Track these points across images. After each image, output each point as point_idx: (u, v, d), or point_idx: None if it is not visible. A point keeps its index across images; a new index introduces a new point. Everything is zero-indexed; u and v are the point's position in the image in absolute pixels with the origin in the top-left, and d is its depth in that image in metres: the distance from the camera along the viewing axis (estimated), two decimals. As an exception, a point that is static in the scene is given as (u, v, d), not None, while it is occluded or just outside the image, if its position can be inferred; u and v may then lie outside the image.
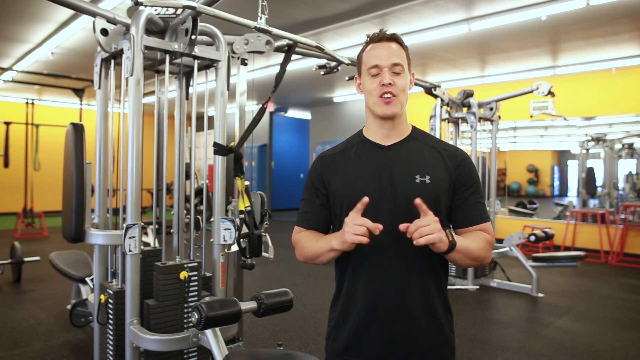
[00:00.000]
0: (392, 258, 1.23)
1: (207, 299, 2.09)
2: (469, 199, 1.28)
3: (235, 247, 2.68)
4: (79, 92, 7.65)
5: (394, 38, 1.28)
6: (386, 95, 1.24)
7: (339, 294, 1.33)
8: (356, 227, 1.12)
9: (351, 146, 1.35)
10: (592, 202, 8.15)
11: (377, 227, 1.12)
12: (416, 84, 4.86)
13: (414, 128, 1.35)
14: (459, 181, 1.27)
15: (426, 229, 1.09)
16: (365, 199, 1.13)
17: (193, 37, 2.24)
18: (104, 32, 2.28)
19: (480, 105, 5.32)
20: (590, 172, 8.03)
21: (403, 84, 1.26)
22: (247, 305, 2.06)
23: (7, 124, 8.23)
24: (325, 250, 1.24)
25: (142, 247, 2.21)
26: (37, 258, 5.20)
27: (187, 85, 2.76)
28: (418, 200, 1.11)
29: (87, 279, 3.39)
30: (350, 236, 1.12)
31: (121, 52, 2.22)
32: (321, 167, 1.36)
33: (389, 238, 1.22)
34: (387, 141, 1.30)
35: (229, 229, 2.44)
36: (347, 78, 4.32)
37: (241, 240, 2.55)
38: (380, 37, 1.27)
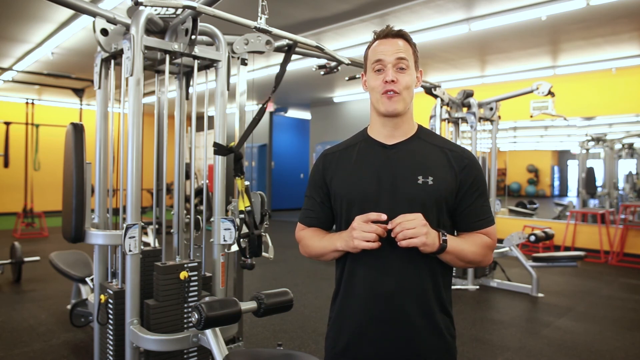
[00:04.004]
0: (388, 259, 1.21)
1: (207, 299, 2.08)
2: (474, 203, 1.25)
3: (235, 247, 2.68)
4: (79, 92, 7.65)
5: (401, 34, 1.24)
6: (389, 93, 1.21)
7: (337, 293, 1.33)
8: (366, 234, 1.14)
9: (354, 144, 1.34)
10: (592, 202, 8.14)
11: (385, 229, 1.15)
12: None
13: (419, 127, 1.32)
14: (464, 184, 1.24)
15: (410, 232, 1.12)
16: (384, 216, 1.15)
17: (193, 37, 2.24)
18: (104, 32, 2.28)
19: (480, 105, 5.32)
20: (590, 172, 8.03)
21: (408, 82, 1.22)
22: (247, 305, 2.06)
23: (7, 124, 8.23)
24: (330, 250, 1.27)
25: (142, 247, 2.21)
26: (37, 258, 5.20)
27: (187, 85, 2.76)
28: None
29: (87, 279, 3.39)
30: (359, 242, 1.15)
31: (121, 52, 2.22)
32: (323, 165, 1.35)
33: (386, 239, 1.21)
34: (390, 140, 1.28)
35: (229, 229, 2.44)
36: (347, 78, 4.32)
37: (241, 240, 2.55)
38: (387, 33, 1.24)
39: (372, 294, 1.23)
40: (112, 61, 2.46)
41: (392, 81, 1.20)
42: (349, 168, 1.29)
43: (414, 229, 1.11)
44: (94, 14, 2.24)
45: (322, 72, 3.53)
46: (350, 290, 1.27)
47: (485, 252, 1.26)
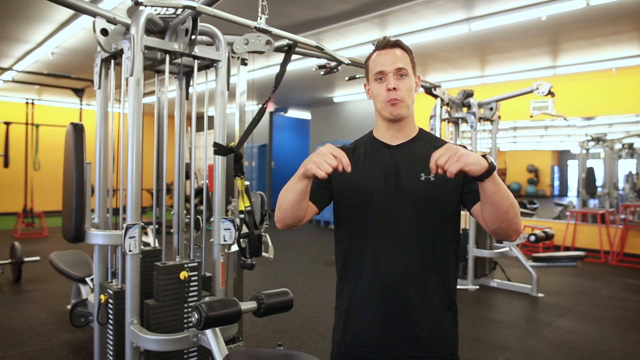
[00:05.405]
0: (393, 252, 1.27)
1: (207, 299, 2.09)
2: None
3: (235, 247, 2.68)
4: (79, 92, 7.65)
5: (398, 44, 1.34)
6: (392, 100, 1.29)
7: (342, 286, 1.38)
8: (325, 165, 1.08)
9: (362, 145, 1.42)
10: (592, 202, 8.15)
11: (348, 166, 1.10)
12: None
13: (420, 130, 1.41)
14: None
15: (456, 155, 1.04)
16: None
17: (193, 37, 2.24)
18: (104, 32, 2.27)
19: (480, 105, 5.32)
20: (590, 172, 8.03)
21: (408, 87, 1.31)
22: (247, 305, 2.06)
23: (7, 124, 8.22)
24: (294, 183, 1.20)
25: (142, 247, 2.21)
26: (37, 258, 5.20)
27: (187, 85, 2.76)
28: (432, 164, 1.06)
29: (87, 279, 3.39)
30: (314, 167, 1.09)
31: (121, 52, 2.22)
32: None
33: (392, 232, 1.28)
34: (394, 141, 1.36)
35: (229, 229, 2.44)
36: (347, 78, 4.32)
37: (241, 240, 2.55)
38: (384, 45, 1.34)
39: (377, 285, 1.28)
40: (112, 61, 2.46)
41: (394, 89, 1.29)
42: (357, 166, 1.36)
43: (458, 152, 1.05)
44: (94, 14, 2.24)
45: (322, 72, 3.53)
46: (356, 281, 1.33)
47: (515, 202, 1.16)
